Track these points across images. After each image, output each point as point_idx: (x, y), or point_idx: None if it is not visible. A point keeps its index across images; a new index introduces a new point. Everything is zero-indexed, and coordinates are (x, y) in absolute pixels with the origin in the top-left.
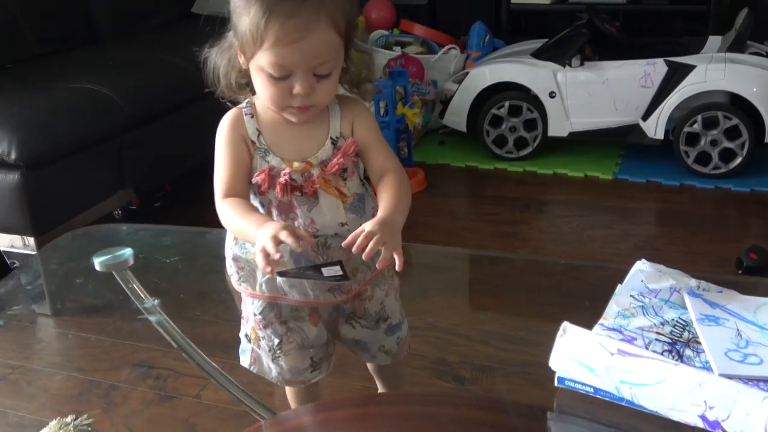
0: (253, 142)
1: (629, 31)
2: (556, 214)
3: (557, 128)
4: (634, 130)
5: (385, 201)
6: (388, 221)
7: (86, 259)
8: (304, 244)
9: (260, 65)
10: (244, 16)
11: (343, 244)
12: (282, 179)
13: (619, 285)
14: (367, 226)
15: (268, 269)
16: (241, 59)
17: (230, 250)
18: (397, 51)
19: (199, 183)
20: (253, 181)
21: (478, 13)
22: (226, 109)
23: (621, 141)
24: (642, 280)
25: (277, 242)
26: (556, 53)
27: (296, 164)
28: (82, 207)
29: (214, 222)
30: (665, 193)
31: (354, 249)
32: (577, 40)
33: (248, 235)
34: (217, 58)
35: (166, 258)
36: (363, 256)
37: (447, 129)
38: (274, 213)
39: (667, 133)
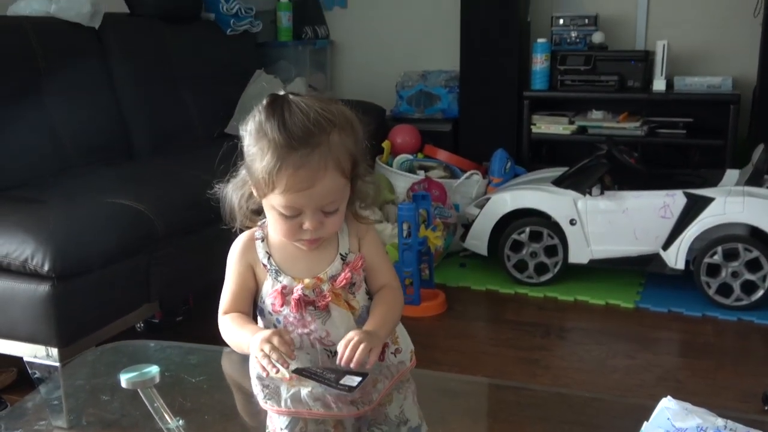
0: (264, 265)
1: (648, 162)
2: (578, 342)
3: (578, 255)
4: (654, 259)
5: (375, 315)
6: (372, 334)
7: (112, 375)
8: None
9: (272, 204)
10: (258, 162)
11: (338, 362)
12: (296, 295)
13: (645, 422)
14: (354, 336)
15: (273, 370)
16: (255, 194)
17: (254, 369)
18: (421, 175)
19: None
20: (268, 301)
21: (500, 140)
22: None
23: (642, 269)
24: (668, 418)
25: (271, 346)
26: (576, 182)
27: (307, 281)
28: (107, 320)
29: None
30: (687, 324)
31: (343, 362)
32: (597, 169)
33: (242, 344)
34: (233, 195)
35: (192, 377)
36: (352, 365)
37: (468, 252)
38: (291, 328)
39: (687, 263)
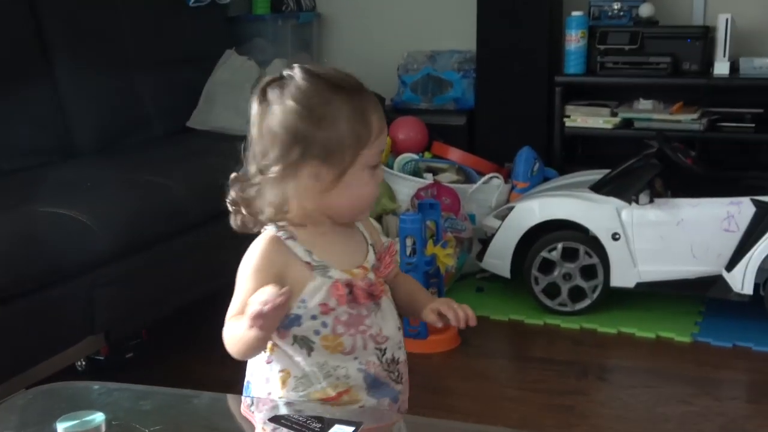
0: (308, 263)
1: (708, 163)
2: (622, 384)
3: (622, 277)
4: (716, 282)
5: (422, 291)
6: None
7: (47, 423)
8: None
9: (365, 162)
10: (339, 123)
11: (454, 323)
12: (361, 286)
13: None
14: (446, 304)
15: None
16: (325, 176)
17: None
18: (429, 179)
19: (182, 331)
20: (315, 302)
21: (527, 136)
22: (214, 243)
23: (701, 295)
24: None
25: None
26: (620, 187)
27: (355, 271)
28: (41, 356)
29: (200, 380)
30: (757, 362)
31: (461, 323)
32: (645, 172)
33: (243, 329)
34: (281, 189)
35: (144, 426)
36: (470, 322)
37: (486, 274)
38: (342, 329)
39: (757, 287)
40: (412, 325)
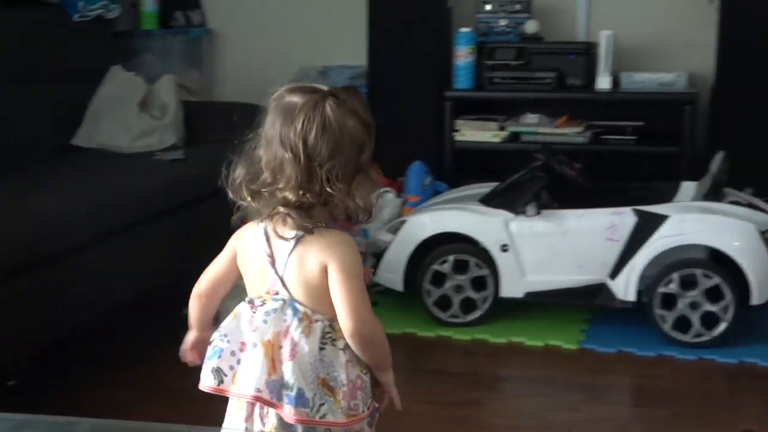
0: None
1: (592, 175)
2: (513, 393)
3: (511, 288)
4: (601, 290)
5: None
6: None
7: None
8: None
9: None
10: (356, 118)
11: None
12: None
13: None
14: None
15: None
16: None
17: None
18: None
19: (72, 356)
20: None
21: (418, 150)
22: (103, 265)
23: (587, 303)
24: None
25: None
26: (508, 200)
27: None
28: None
29: (91, 408)
30: (641, 366)
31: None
32: (532, 184)
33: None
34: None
35: None
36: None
37: (380, 288)
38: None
39: (639, 294)
40: None
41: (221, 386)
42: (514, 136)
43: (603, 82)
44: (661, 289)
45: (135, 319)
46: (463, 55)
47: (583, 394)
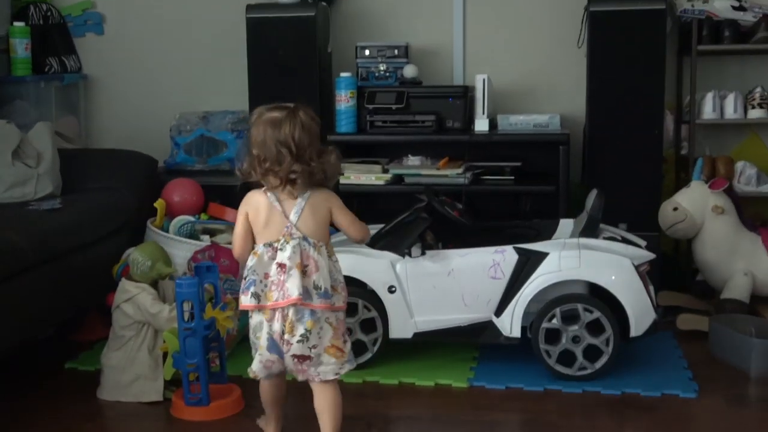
0: None
1: (474, 214)
2: None
3: (400, 329)
4: (487, 328)
5: None
6: None
7: None
8: None
9: None
10: (314, 120)
11: None
12: None
13: None
14: None
15: None
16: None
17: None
18: (206, 241)
19: None
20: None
21: None
22: None
23: (474, 341)
24: None
25: None
26: (393, 241)
27: None
28: None
29: None
30: (528, 401)
31: None
32: (416, 226)
33: None
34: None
35: None
36: None
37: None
38: None
39: (524, 330)
40: (192, 392)
41: (259, 303)
42: (398, 178)
43: (481, 124)
44: (545, 325)
45: (14, 373)
46: (344, 100)
47: (474, 431)
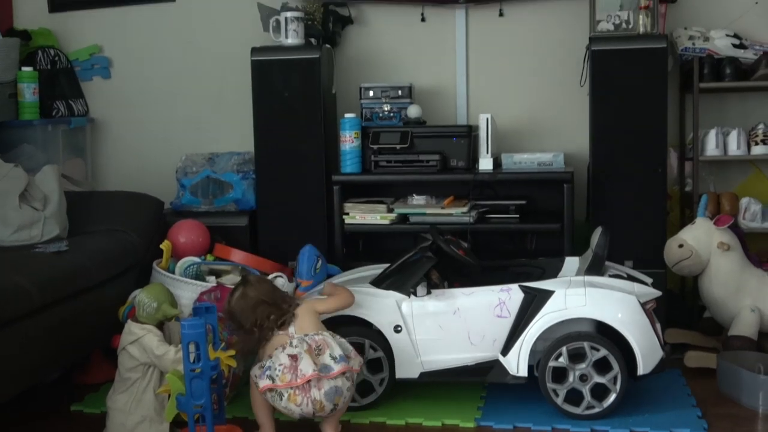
0: None
1: (479, 253)
2: None
3: (406, 369)
4: (494, 367)
5: None
6: None
7: None
8: None
9: None
10: None
11: None
12: None
13: None
14: None
15: None
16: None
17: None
18: (212, 282)
19: None
20: None
21: (308, 234)
22: None
23: (481, 380)
24: None
25: None
26: (398, 281)
27: None
28: None
29: None
30: None
31: None
32: (421, 265)
33: None
34: None
35: None
36: None
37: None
38: None
39: (531, 368)
40: None
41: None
42: (403, 218)
43: (485, 164)
44: (552, 363)
45: (19, 416)
46: (348, 140)
47: None
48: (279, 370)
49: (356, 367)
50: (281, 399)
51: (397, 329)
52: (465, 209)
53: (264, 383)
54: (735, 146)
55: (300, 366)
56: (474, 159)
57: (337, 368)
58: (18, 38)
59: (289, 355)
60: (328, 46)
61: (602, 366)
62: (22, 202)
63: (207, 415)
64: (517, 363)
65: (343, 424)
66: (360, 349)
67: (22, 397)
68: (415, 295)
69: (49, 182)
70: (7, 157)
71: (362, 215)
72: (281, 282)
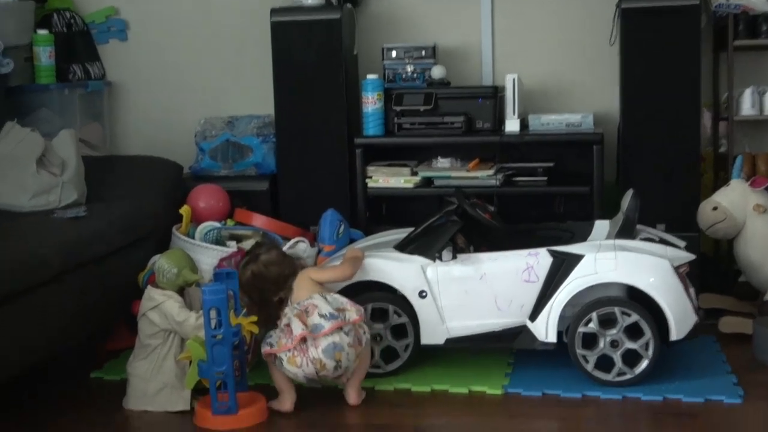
0: None
1: (506, 216)
2: None
3: (432, 334)
4: (521, 332)
5: None
6: None
7: None
8: None
9: None
10: None
11: None
12: None
13: None
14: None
15: None
16: None
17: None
18: (233, 247)
19: None
20: None
21: (330, 198)
22: None
23: (508, 347)
24: None
25: None
26: (423, 245)
27: None
28: None
29: None
30: (566, 408)
31: None
32: (446, 229)
33: None
34: None
35: None
36: None
37: None
38: None
39: (560, 334)
40: (220, 401)
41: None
42: (427, 181)
43: (511, 125)
44: (581, 329)
45: (39, 385)
46: (371, 102)
47: None
48: (276, 337)
49: (353, 318)
50: (282, 364)
51: (422, 294)
52: (491, 172)
53: (264, 349)
54: None
55: (292, 328)
56: (500, 120)
57: (328, 325)
58: (33, 0)
59: (285, 325)
60: (349, 5)
61: (634, 332)
62: (39, 167)
63: (229, 382)
64: (546, 329)
65: (367, 391)
66: (384, 314)
67: (42, 364)
68: (441, 259)
69: (66, 147)
70: (24, 122)
71: (385, 178)
72: (303, 247)
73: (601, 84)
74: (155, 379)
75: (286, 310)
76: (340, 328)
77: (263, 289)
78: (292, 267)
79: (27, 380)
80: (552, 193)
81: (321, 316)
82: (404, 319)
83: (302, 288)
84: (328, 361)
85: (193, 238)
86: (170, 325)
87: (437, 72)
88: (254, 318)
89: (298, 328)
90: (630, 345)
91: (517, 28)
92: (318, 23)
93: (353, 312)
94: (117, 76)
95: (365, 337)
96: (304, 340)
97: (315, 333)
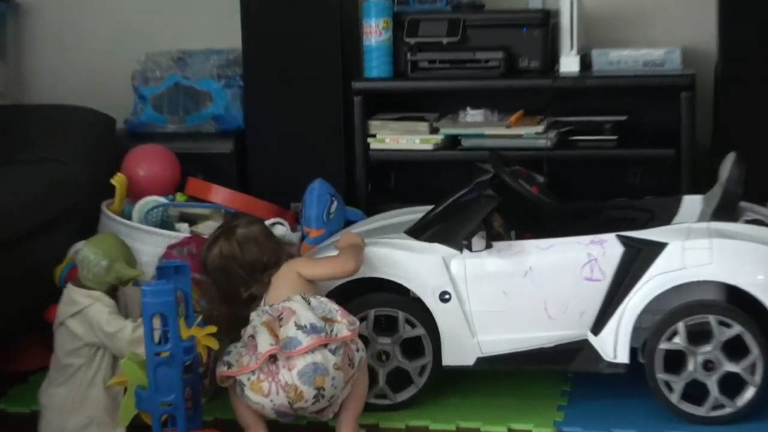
0: None
1: (561, 190)
2: None
3: (457, 353)
4: (581, 350)
5: None
6: None
7: None
8: None
9: None
10: None
11: None
12: None
13: None
14: None
15: None
16: None
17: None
18: (184, 231)
19: None
20: None
21: (318, 166)
22: None
23: (563, 369)
24: None
25: None
26: (446, 230)
27: None
28: None
29: None
30: None
31: None
32: (478, 207)
33: None
34: None
35: None
36: None
37: None
38: None
39: (634, 352)
40: None
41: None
42: (452, 141)
43: (569, 64)
44: (663, 345)
45: None
46: (375, 32)
47: None
48: (237, 353)
49: (342, 334)
50: (243, 391)
51: (444, 297)
52: (540, 129)
53: (219, 370)
54: None
55: (257, 342)
56: (553, 58)
57: (306, 341)
58: None
59: (249, 336)
60: None
61: (735, 349)
62: None
63: (178, 416)
64: (614, 345)
65: (368, 429)
66: (392, 324)
67: None
68: (470, 249)
69: None
70: None
71: (395, 138)
72: (280, 231)
73: (692, 7)
74: (78, 412)
75: (253, 314)
76: (324, 345)
77: (231, 277)
78: (276, 254)
79: None
80: (624, 158)
81: (298, 327)
82: (420, 330)
83: (283, 285)
84: (306, 388)
85: (129, 218)
86: (98, 338)
87: None
88: (213, 329)
89: (265, 343)
90: (730, 367)
91: None
92: None
93: (344, 326)
94: None
95: (359, 355)
96: (273, 358)
97: (288, 350)
